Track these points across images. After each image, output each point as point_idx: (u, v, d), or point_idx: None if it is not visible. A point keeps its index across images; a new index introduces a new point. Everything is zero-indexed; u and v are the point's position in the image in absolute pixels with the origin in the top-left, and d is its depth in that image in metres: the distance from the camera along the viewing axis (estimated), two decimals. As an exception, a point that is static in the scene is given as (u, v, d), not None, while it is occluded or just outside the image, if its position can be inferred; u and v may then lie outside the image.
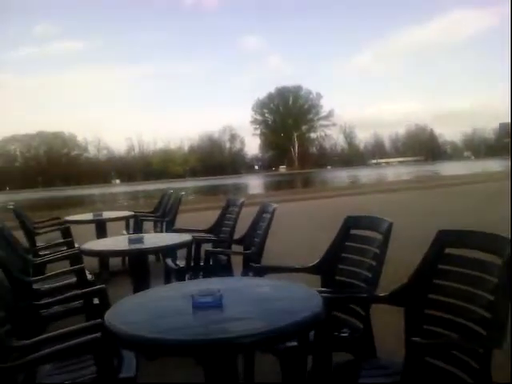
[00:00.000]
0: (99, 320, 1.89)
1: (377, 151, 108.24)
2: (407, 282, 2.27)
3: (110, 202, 32.54)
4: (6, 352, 2.00)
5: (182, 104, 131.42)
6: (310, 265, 2.95)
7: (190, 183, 59.90)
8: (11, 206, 6.25)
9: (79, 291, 3.12)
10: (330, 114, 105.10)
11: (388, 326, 2.80)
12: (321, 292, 2.18)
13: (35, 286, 3.63)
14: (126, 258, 6.01)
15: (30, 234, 5.84)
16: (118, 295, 2.25)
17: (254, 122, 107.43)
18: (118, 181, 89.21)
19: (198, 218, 8.20)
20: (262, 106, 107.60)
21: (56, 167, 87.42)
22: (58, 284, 3.59)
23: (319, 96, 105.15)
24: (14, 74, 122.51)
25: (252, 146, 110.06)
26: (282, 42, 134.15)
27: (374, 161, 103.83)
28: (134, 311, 1.94)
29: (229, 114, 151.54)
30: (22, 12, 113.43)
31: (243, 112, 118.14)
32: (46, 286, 3.60)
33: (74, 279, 3.62)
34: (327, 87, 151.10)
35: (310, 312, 1.77)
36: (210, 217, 5.16)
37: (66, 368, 2.21)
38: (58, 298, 2.98)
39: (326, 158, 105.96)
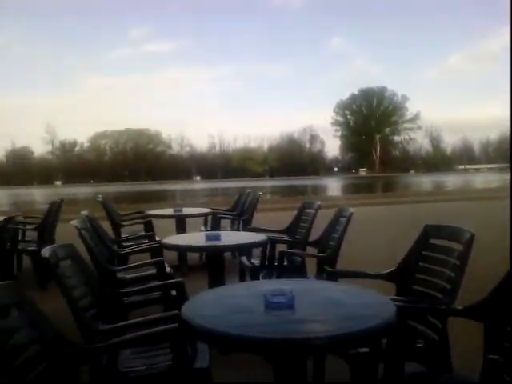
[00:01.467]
0: (176, 311, 1.98)
1: (465, 156, 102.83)
2: (488, 296, 2.17)
3: (189, 198, 33.60)
4: (92, 334, 2.16)
5: (264, 103, 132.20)
6: (386, 272, 2.90)
7: (268, 182, 60.27)
8: (100, 199, 6.67)
9: (159, 282, 3.29)
10: (415, 117, 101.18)
11: (469, 340, 2.69)
12: (395, 300, 2.15)
13: (119, 275, 3.85)
14: (204, 254, 6.20)
15: (116, 226, 6.21)
16: (195, 289, 2.35)
17: (335, 123, 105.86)
18: (198, 177, 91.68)
19: (275, 217, 8.28)
20: (344, 107, 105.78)
21: (141, 162, 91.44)
22: (139, 274, 3.80)
23: (405, 98, 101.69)
24: (107, 74, 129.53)
25: (332, 147, 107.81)
26: (368, 43, 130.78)
27: (462, 166, 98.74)
28: (209, 306, 2.01)
29: (310, 115, 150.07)
30: (116, 15, 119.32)
31: (324, 113, 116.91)
32: (129, 276, 3.81)
33: (154, 271, 3.80)
34: (414, 89, 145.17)
35: (382, 319, 1.75)
36: (287, 217, 5.20)
37: (144, 354, 2.33)
38: (139, 287, 3.15)
39: (409, 162, 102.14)
